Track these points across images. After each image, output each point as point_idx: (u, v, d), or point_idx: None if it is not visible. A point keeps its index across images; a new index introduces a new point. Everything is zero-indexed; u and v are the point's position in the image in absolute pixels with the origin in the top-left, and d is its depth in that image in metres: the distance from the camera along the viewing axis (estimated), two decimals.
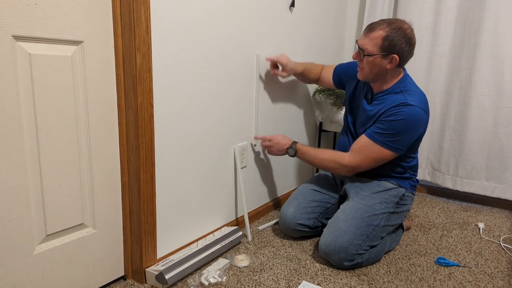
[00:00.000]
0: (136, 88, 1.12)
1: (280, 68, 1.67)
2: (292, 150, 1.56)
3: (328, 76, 1.74)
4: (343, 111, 2.07)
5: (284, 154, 1.60)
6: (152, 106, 1.17)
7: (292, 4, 1.77)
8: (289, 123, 1.94)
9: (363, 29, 2.21)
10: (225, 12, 1.41)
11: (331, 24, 2.19)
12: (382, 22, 1.34)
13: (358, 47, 1.39)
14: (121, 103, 1.16)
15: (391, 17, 2.21)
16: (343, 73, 1.68)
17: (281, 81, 1.80)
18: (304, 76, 1.76)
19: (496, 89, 1.93)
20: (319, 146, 2.23)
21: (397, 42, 1.31)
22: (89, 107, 1.09)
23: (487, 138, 1.98)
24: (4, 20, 0.88)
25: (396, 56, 1.33)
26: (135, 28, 1.08)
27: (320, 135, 2.22)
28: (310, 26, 1.97)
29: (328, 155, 1.49)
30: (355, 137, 1.54)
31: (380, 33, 1.32)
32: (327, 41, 2.17)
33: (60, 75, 1.01)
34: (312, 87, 2.09)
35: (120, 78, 1.14)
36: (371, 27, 1.35)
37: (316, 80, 1.80)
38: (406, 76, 1.44)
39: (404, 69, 1.45)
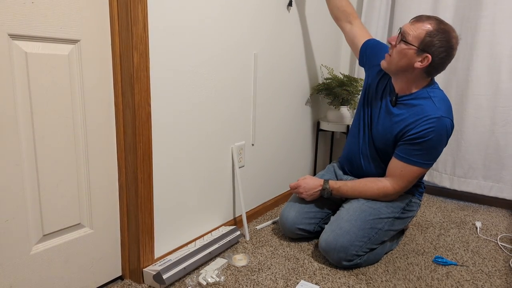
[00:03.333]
0: (134, 87, 1.11)
1: None
2: (327, 192, 1.47)
3: (359, 39, 1.59)
4: (340, 111, 2.07)
5: (319, 196, 1.51)
6: (149, 105, 1.16)
7: (290, 4, 1.77)
8: (287, 122, 1.94)
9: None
10: (223, 11, 1.40)
11: (329, 23, 2.19)
12: (433, 17, 1.27)
13: (400, 32, 1.31)
14: (118, 102, 1.15)
15: (388, 16, 2.21)
16: (368, 52, 1.55)
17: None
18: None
19: (493, 89, 1.94)
20: (316, 145, 2.23)
21: (436, 43, 1.23)
22: (86, 106, 1.08)
23: (484, 137, 1.99)
24: (0, 19, 0.88)
25: (429, 56, 1.25)
26: (133, 27, 1.08)
27: (317, 134, 2.22)
28: (308, 25, 1.96)
29: (370, 189, 1.41)
30: (368, 138, 1.48)
31: (427, 26, 1.24)
32: (325, 40, 2.17)
33: (57, 74, 1.00)
34: (309, 87, 2.09)
35: (117, 77, 1.14)
36: (420, 17, 1.28)
37: (343, 23, 1.65)
38: (435, 83, 1.38)
39: (433, 79, 1.38)
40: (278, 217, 1.62)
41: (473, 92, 1.97)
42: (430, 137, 1.29)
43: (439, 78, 2.08)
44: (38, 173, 0.99)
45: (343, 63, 2.42)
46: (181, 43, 1.25)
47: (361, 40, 1.60)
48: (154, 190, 1.24)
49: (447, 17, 2.01)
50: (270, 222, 1.75)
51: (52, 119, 1.01)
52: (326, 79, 2.10)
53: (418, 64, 1.27)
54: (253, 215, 1.78)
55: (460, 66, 2.00)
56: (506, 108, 1.92)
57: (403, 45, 1.28)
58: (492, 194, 2.02)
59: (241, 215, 1.66)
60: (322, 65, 2.17)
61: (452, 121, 1.32)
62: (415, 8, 2.06)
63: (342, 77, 2.03)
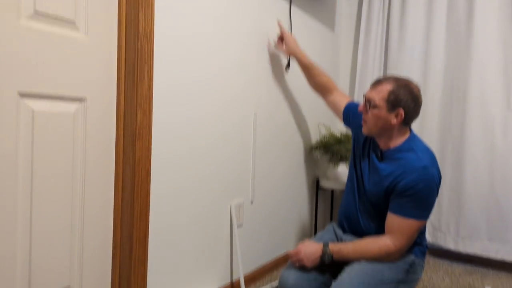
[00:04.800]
0: (135, 145, 1.12)
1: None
2: (328, 256, 1.42)
3: (340, 104, 1.73)
4: (339, 168, 2.08)
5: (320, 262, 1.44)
6: (150, 162, 1.16)
7: (288, 65, 1.87)
8: (286, 180, 1.93)
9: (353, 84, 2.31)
10: (225, 72, 1.47)
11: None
12: (389, 77, 1.39)
13: (365, 100, 1.41)
14: (119, 159, 1.15)
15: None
16: (351, 114, 1.65)
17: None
18: (310, 74, 1.80)
19: (488, 146, 1.97)
20: (316, 203, 2.20)
21: (403, 97, 1.33)
22: (87, 163, 1.08)
23: (484, 194, 1.97)
24: (12, 77, 0.91)
25: (401, 110, 1.34)
26: (138, 86, 1.11)
27: (317, 192, 2.20)
28: (305, 85, 2.04)
29: (372, 249, 1.38)
30: (362, 194, 1.49)
31: (387, 87, 1.35)
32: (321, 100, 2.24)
33: (61, 132, 1.01)
34: (307, 144, 2.11)
35: (119, 132, 1.15)
36: (379, 81, 1.39)
37: (325, 95, 1.81)
38: (414, 135, 1.45)
39: (411, 129, 1.46)
40: (278, 280, 1.54)
41: (470, 151, 2.01)
42: (419, 187, 1.30)
43: (433, 134, 2.12)
44: (32, 230, 0.96)
45: (339, 121, 2.48)
46: (183, 102, 1.29)
47: (342, 105, 1.74)
48: (149, 250, 1.19)
49: (438, 68, 2.13)
50: (268, 286, 1.65)
51: (52, 177, 0.99)
52: (324, 137, 2.13)
53: (394, 121, 1.36)
54: (251, 279, 1.69)
55: (454, 121, 2.07)
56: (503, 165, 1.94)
57: (374, 110, 1.37)
58: (499, 257, 1.95)
59: (238, 278, 1.58)
60: (320, 123, 2.22)
61: (438, 169, 1.35)
62: (407, 67, 2.16)
63: (339, 135, 2.07)
